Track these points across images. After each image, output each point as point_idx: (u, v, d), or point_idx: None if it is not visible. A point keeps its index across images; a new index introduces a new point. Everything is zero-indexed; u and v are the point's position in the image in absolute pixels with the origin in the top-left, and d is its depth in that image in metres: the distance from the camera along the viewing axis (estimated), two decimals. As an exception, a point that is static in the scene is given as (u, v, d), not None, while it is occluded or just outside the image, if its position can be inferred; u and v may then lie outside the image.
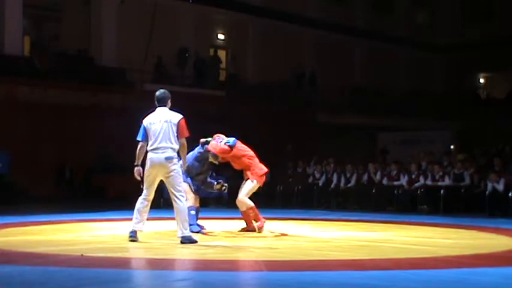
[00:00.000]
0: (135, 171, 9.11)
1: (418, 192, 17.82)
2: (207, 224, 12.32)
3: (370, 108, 29.43)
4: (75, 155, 21.11)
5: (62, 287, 5.89)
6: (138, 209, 8.99)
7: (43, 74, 22.05)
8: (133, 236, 8.86)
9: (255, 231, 10.54)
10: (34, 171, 20.31)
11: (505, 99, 33.42)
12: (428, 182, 17.94)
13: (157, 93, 9.25)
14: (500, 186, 16.35)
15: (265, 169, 11.06)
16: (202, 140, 11.00)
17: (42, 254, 7.79)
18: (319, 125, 27.44)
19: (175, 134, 8.88)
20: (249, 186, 10.94)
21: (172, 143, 8.85)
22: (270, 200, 20.63)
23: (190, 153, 10.42)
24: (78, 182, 21.24)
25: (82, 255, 7.58)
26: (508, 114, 27.98)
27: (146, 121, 9.00)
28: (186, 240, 8.64)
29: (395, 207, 18.05)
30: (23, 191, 19.17)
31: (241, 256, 7.93)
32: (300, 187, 20.25)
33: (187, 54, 26.84)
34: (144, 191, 9.09)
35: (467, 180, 17.58)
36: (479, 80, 38.04)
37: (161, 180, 9.07)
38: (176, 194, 8.82)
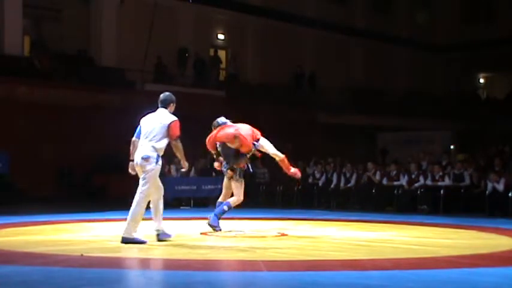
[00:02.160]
0: (129, 166, 9.15)
1: (418, 192, 17.82)
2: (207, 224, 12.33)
3: (370, 108, 29.42)
4: (75, 155, 21.09)
5: (62, 287, 5.89)
6: (153, 211, 9.39)
7: (43, 74, 22.04)
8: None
9: None
10: (34, 172, 20.29)
11: (504, 100, 33.44)
12: (428, 182, 17.94)
13: (162, 95, 9.37)
14: (500, 186, 16.35)
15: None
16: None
17: (42, 254, 7.79)
18: (319, 125, 27.44)
19: (165, 135, 8.96)
20: None
21: (155, 142, 8.93)
22: (270, 199, 20.67)
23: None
24: (78, 182, 21.22)
25: (82, 255, 7.58)
26: (507, 114, 27.98)
27: (142, 120, 9.20)
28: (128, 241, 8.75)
29: (395, 207, 18.05)
30: (22, 191, 19.16)
31: (241, 256, 7.93)
32: (299, 187, 20.26)
33: (187, 54, 26.85)
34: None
35: (467, 181, 17.59)
36: (479, 80, 38.06)
37: (161, 178, 9.22)
38: (141, 190, 8.92)
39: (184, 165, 9.47)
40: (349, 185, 19.46)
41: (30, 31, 24.22)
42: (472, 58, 34.89)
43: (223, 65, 29.32)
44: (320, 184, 20.07)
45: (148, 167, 8.89)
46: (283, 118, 26.11)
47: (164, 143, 9.00)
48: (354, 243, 9.31)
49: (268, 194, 21.08)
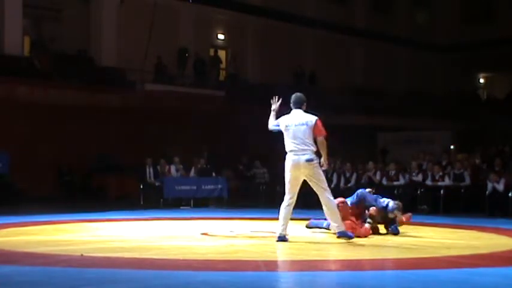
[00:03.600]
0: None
1: (418, 192, 17.82)
2: (208, 224, 12.34)
3: (370, 108, 29.41)
4: (75, 155, 21.09)
5: (62, 287, 5.89)
6: (285, 216, 9.22)
7: (43, 74, 22.03)
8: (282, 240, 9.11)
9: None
10: (34, 171, 20.29)
11: (505, 100, 33.44)
12: (428, 182, 17.95)
13: (294, 96, 9.54)
14: (500, 186, 16.36)
15: None
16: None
17: (42, 254, 7.79)
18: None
19: (312, 136, 9.12)
20: None
21: (310, 145, 9.10)
22: (270, 199, 20.65)
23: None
24: (77, 182, 21.22)
25: (82, 255, 7.58)
26: (507, 114, 27.98)
27: (283, 122, 9.33)
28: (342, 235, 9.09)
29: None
30: (22, 191, 19.15)
31: (240, 256, 7.93)
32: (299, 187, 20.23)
33: (187, 54, 26.85)
34: (287, 195, 9.27)
35: (467, 180, 17.59)
36: (479, 80, 38.07)
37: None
38: (324, 192, 9.15)
39: (326, 164, 9.39)
40: (349, 185, 19.44)
41: (30, 31, 24.22)
42: (472, 58, 34.90)
43: (223, 65, 29.33)
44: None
45: (315, 168, 9.10)
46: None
47: (314, 143, 9.17)
48: (354, 243, 9.30)
49: (268, 194, 21.06)
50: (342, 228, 9.22)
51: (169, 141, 21.97)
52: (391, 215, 10.40)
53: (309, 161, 9.04)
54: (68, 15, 24.94)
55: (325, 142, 9.23)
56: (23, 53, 23.17)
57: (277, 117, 9.59)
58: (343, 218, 9.53)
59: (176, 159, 20.07)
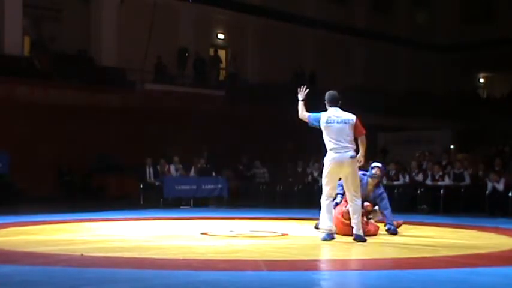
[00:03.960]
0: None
1: (418, 192, 17.81)
2: (208, 224, 12.34)
3: (369, 108, 29.38)
4: (75, 155, 21.09)
5: (62, 287, 5.89)
6: (327, 209, 9.22)
7: (43, 74, 22.03)
8: (330, 238, 9.09)
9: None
10: (34, 171, 20.29)
11: (505, 99, 33.43)
12: (428, 182, 17.94)
13: (329, 94, 9.64)
14: (500, 186, 16.36)
15: None
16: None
17: (42, 254, 7.79)
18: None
19: (352, 134, 9.20)
20: None
21: (352, 143, 9.19)
22: (270, 199, 20.65)
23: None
24: (77, 182, 21.22)
25: (82, 254, 7.58)
26: (508, 114, 27.98)
27: (324, 117, 9.38)
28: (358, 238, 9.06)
29: (395, 207, 18.00)
30: (22, 191, 19.15)
31: (241, 256, 7.92)
32: (300, 186, 20.25)
33: (187, 54, 26.84)
34: (326, 190, 9.31)
35: (467, 180, 17.59)
36: (479, 79, 38.06)
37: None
38: (354, 194, 9.17)
39: (363, 160, 9.42)
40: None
41: (30, 31, 24.22)
42: (472, 58, 34.89)
43: (223, 65, 29.32)
44: (320, 183, 20.01)
45: (355, 167, 9.20)
46: (283, 118, 26.08)
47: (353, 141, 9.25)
48: (354, 243, 9.30)
49: (268, 194, 21.08)
50: (361, 232, 9.19)
51: (169, 141, 21.96)
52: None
53: (352, 157, 9.10)
54: (68, 15, 24.95)
55: (365, 140, 9.36)
56: (23, 53, 23.17)
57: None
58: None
59: (176, 159, 20.07)
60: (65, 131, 21.29)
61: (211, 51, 28.65)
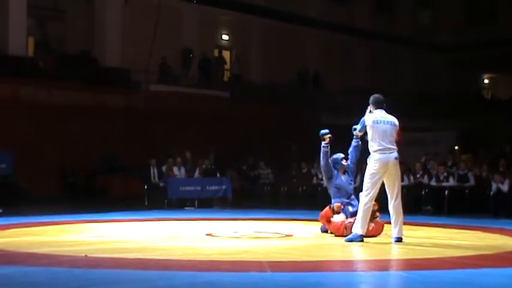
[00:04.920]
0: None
1: (423, 192, 17.79)
2: (213, 225, 12.34)
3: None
4: (79, 155, 21.10)
5: (66, 288, 5.90)
6: (365, 215, 9.13)
7: (47, 75, 22.04)
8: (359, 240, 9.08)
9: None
10: (37, 172, 20.30)
11: (509, 100, 33.37)
12: (433, 183, 17.91)
13: (374, 97, 9.65)
14: (504, 187, 16.33)
15: None
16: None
17: (45, 255, 7.79)
18: (323, 125, 27.32)
19: (395, 136, 9.31)
20: None
21: (395, 145, 9.28)
22: (274, 200, 20.65)
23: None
24: (81, 183, 21.24)
25: (86, 255, 7.58)
26: (512, 115, 27.94)
27: (370, 119, 9.32)
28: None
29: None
30: (26, 191, 19.17)
31: (245, 257, 7.92)
32: (304, 187, 20.23)
33: (191, 55, 26.85)
34: (369, 191, 9.16)
35: (472, 181, 17.56)
36: (483, 80, 38.00)
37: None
38: (398, 194, 9.18)
39: None
40: (354, 186, 19.38)
41: (35, 31, 24.22)
42: (476, 59, 34.82)
43: (227, 66, 29.30)
44: (324, 185, 19.99)
45: (399, 168, 9.28)
46: (287, 118, 26.10)
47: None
48: (357, 243, 9.29)
49: (273, 195, 21.07)
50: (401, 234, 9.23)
51: (174, 142, 21.97)
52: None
53: (397, 158, 9.17)
54: (72, 15, 24.96)
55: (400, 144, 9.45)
56: (27, 53, 23.17)
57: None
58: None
59: (178, 160, 20.06)
60: (69, 132, 21.30)
61: (216, 52, 28.64)
